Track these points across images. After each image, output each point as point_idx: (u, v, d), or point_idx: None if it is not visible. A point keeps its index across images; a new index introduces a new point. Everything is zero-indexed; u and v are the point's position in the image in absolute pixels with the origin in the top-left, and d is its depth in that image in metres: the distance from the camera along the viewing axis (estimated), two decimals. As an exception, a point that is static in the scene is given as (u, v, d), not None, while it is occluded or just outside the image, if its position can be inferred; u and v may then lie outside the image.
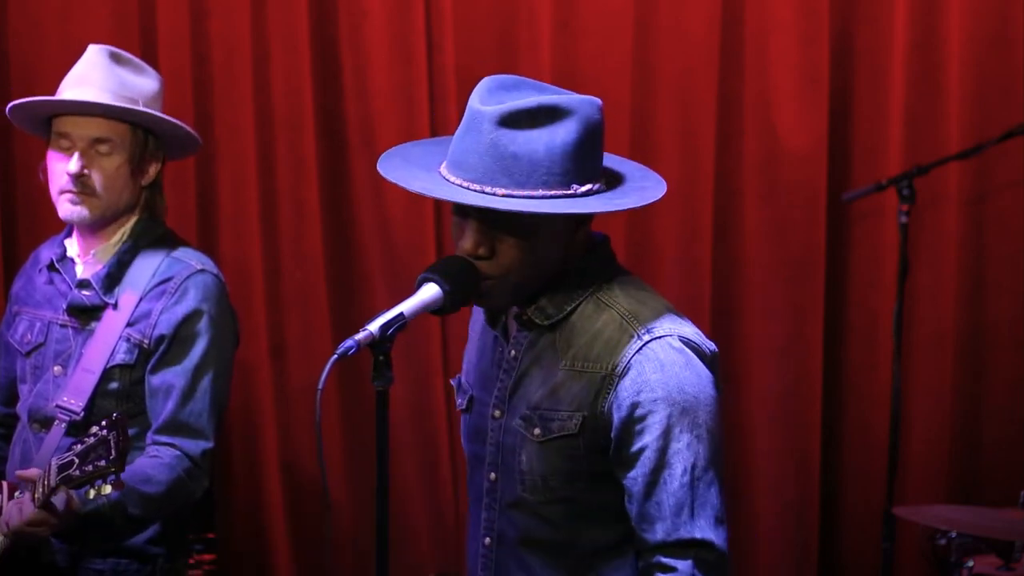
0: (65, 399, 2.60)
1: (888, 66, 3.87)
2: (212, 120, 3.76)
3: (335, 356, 1.74)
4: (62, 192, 2.62)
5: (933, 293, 3.91)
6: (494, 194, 1.86)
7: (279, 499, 3.80)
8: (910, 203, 3.66)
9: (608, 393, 1.93)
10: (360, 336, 1.77)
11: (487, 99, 1.90)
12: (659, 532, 1.93)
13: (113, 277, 2.64)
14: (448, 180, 1.91)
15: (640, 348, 1.92)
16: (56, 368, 2.66)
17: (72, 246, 2.73)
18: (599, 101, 1.95)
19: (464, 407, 2.09)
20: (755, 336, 3.93)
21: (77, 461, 2.28)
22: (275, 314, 3.80)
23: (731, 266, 3.93)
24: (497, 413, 2.02)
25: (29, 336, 2.73)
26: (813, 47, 3.84)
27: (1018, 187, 3.90)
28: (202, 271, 2.68)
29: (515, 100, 1.89)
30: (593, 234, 2.04)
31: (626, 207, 1.96)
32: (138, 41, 3.69)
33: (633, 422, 1.92)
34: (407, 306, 1.83)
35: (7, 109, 2.72)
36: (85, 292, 2.65)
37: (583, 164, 1.91)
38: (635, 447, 1.92)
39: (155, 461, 2.57)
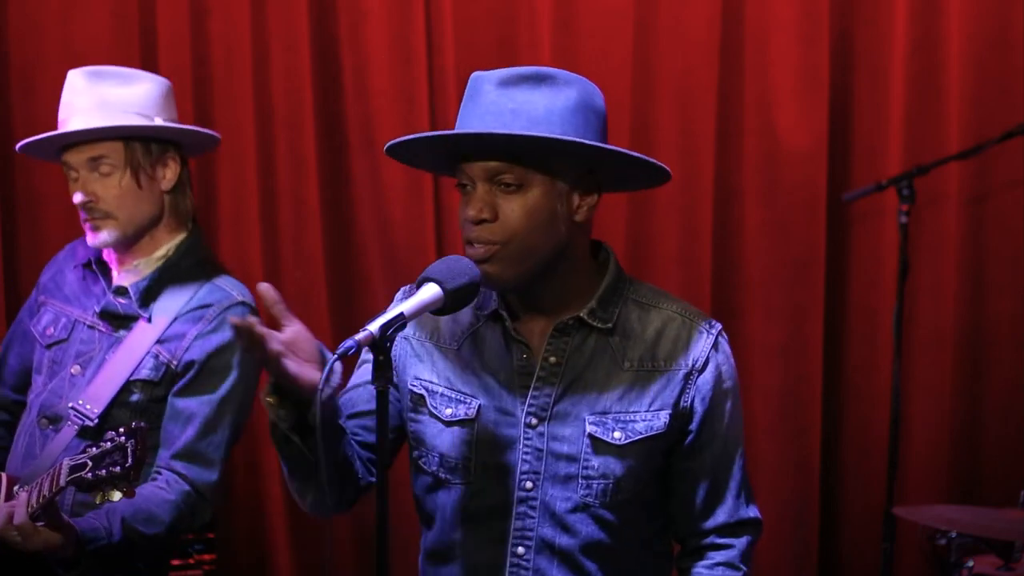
0: (81, 402, 2.57)
1: (888, 66, 3.87)
2: (212, 120, 3.76)
3: (335, 356, 1.74)
4: (83, 221, 2.62)
5: (933, 293, 3.91)
6: (491, 131, 1.88)
7: (279, 499, 3.80)
8: (910, 203, 3.66)
9: (691, 388, 2.02)
10: (360, 336, 1.76)
11: (487, 71, 1.95)
12: (721, 515, 2.06)
13: (152, 291, 2.62)
14: (436, 133, 1.95)
15: (713, 343, 2.04)
16: (75, 368, 2.63)
17: (108, 252, 2.71)
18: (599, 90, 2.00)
19: (470, 416, 2.03)
20: (755, 336, 3.93)
21: (91, 464, 2.25)
22: (275, 314, 3.80)
23: (731, 266, 3.93)
24: (534, 421, 2.00)
25: (52, 330, 2.70)
26: (813, 47, 3.84)
27: (1018, 187, 3.90)
28: (242, 303, 2.64)
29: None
30: (597, 242, 2.08)
31: (638, 156, 1.98)
32: (138, 41, 3.70)
33: (711, 411, 2.03)
34: (407, 306, 1.83)
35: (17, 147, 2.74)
36: (121, 299, 2.62)
37: (583, 132, 1.93)
38: (709, 435, 2.04)
39: (161, 496, 2.52)
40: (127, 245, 2.64)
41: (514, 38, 3.83)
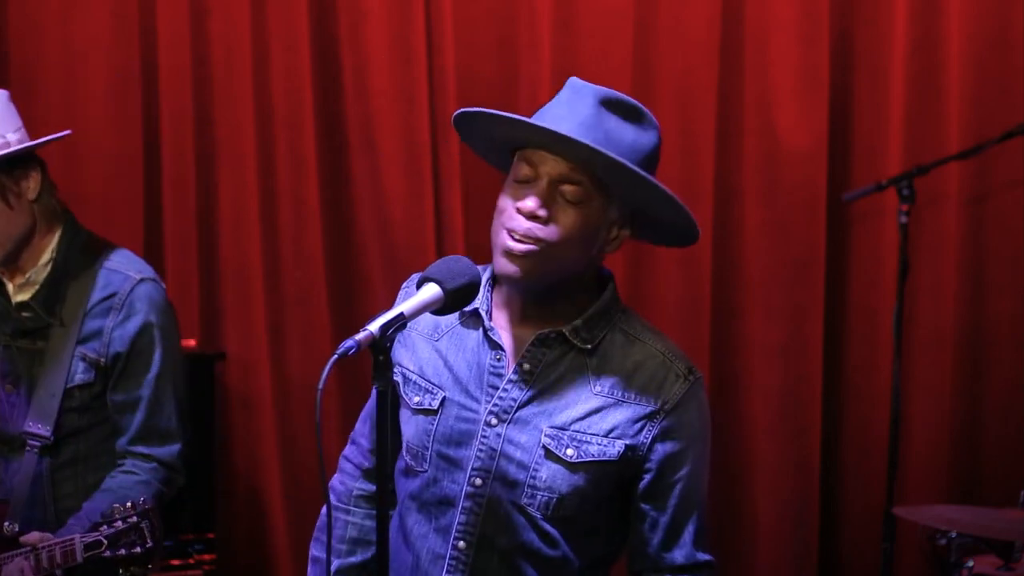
0: (31, 425, 2.62)
1: (888, 66, 3.88)
2: (212, 120, 3.76)
3: (335, 356, 1.74)
4: None
5: (933, 293, 3.91)
6: (586, 142, 1.91)
7: (279, 499, 3.80)
8: (910, 203, 3.66)
9: (654, 427, 2.01)
10: (360, 336, 1.76)
11: (588, 82, 2.01)
12: (679, 557, 2.06)
13: (52, 296, 2.65)
14: (539, 126, 1.94)
15: (688, 387, 2.03)
16: (7, 387, 2.67)
17: None
18: None
19: (433, 407, 2.08)
20: (755, 336, 3.93)
21: (106, 543, 2.32)
22: (275, 314, 3.80)
23: (731, 266, 3.93)
24: (494, 421, 2.02)
25: None
26: (813, 47, 3.84)
27: (1018, 187, 3.90)
28: (142, 280, 2.68)
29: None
30: (601, 268, 2.10)
31: (687, 214, 2.01)
32: (138, 41, 3.70)
33: (674, 455, 2.02)
34: (407, 306, 1.83)
35: None
36: (26, 314, 2.65)
37: (649, 171, 1.97)
38: (670, 479, 2.03)
39: (132, 480, 2.60)
40: (12, 261, 2.66)
41: (514, 38, 3.83)
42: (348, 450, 2.28)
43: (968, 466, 3.97)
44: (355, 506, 2.24)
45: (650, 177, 1.94)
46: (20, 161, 2.62)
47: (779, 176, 3.90)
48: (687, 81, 3.86)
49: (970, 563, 3.22)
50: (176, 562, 3.44)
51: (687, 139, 3.87)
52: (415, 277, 2.16)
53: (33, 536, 2.45)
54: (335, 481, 2.28)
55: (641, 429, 2.01)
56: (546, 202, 1.93)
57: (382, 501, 1.85)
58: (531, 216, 1.93)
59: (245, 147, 3.76)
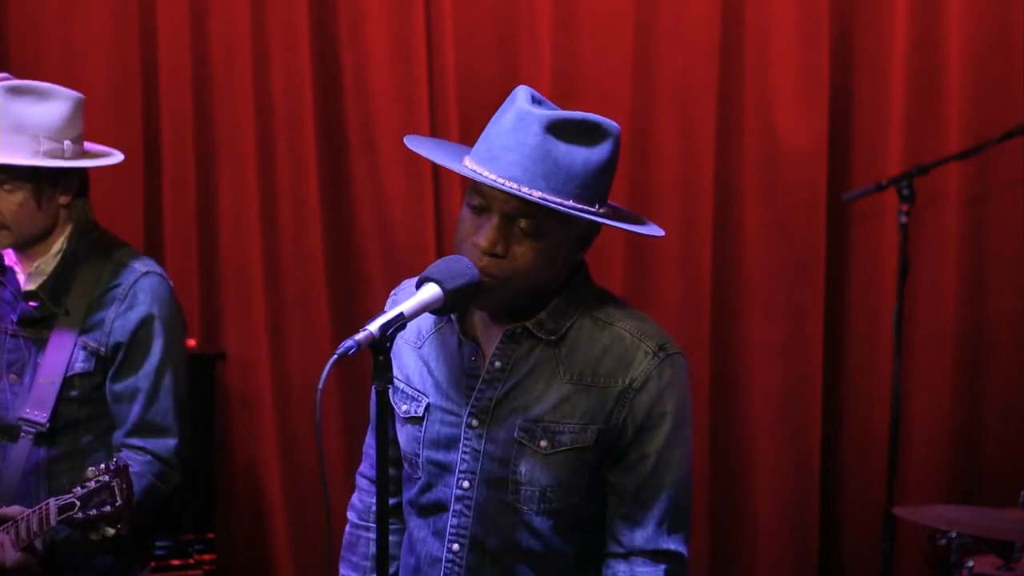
0: (28, 411, 2.64)
1: (888, 66, 3.88)
2: (212, 120, 3.76)
3: (335, 356, 1.74)
4: None
5: (933, 293, 3.91)
6: (530, 195, 1.88)
7: (279, 499, 3.80)
8: (910, 203, 3.67)
9: (624, 406, 1.99)
10: (360, 336, 1.76)
11: (532, 104, 1.93)
12: (638, 539, 2.01)
13: (59, 287, 2.67)
14: (478, 172, 1.92)
15: (657, 364, 1.99)
16: (11, 376, 2.69)
17: (9, 256, 2.74)
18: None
19: (418, 414, 2.07)
20: (755, 336, 3.93)
21: (79, 504, 2.32)
22: (275, 314, 3.80)
23: (731, 266, 3.93)
24: (475, 422, 2.02)
25: None
26: (813, 47, 3.85)
27: (1018, 187, 3.90)
28: (147, 274, 2.70)
29: (558, 111, 1.92)
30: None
31: (644, 232, 2.05)
32: (138, 41, 3.70)
33: (642, 431, 1.99)
34: (407, 306, 1.83)
35: None
36: (33, 303, 2.67)
37: (603, 185, 1.96)
38: (637, 454, 2.00)
39: None
40: (22, 249, 2.69)
41: (514, 38, 3.84)
42: (362, 466, 2.29)
43: (968, 466, 3.97)
44: (375, 522, 2.22)
45: (584, 214, 1.90)
46: (65, 174, 2.66)
47: (779, 176, 3.90)
48: (687, 81, 3.86)
49: (970, 563, 3.22)
50: (176, 562, 3.44)
51: (687, 139, 3.87)
52: (403, 284, 2.17)
53: (13, 509, 2.48)
54: (354, 499, 2.29)
55: (612, 411, 1.99)
56: (501, 237, 1.90)
57: (382, 498, 1.85)
58: (489, 253, 1.91)
59: (245, 147, 3.76)
